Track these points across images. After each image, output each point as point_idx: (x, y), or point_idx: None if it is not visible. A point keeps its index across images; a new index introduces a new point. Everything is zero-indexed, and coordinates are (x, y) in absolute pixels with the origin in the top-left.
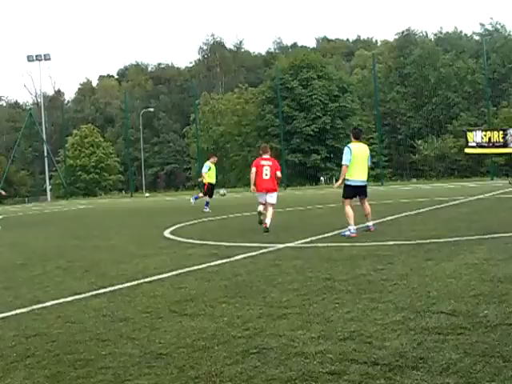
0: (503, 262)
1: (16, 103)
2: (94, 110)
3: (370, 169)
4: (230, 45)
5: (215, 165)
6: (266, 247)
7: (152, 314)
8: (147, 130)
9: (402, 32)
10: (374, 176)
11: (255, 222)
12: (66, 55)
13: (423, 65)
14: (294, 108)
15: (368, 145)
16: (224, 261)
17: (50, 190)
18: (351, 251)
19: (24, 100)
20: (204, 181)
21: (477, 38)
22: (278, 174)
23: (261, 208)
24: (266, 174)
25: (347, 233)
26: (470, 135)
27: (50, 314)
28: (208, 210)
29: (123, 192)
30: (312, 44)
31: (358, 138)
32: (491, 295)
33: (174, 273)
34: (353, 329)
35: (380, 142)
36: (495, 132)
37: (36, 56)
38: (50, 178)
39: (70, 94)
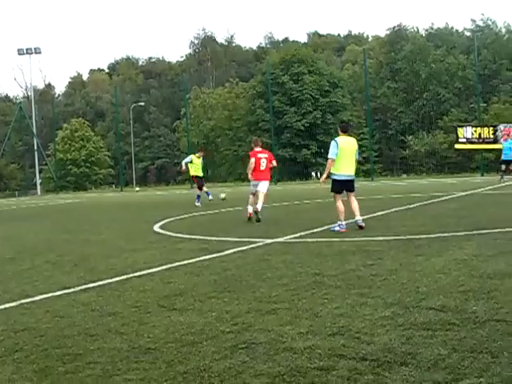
0: (492, 258)
1: (6, 97)
2: (85, 103)
3: (360, 163)
4: (221, 39)
5: (203, 158)
6: (255, 242)
7: (141, 308)
8: (138, 124)
9: (394, 27)
10: (365, 171)
11: (245, 217)
12: (57, 49)
13: (414, 60)
14: (285, 103)
15: (358, 140)
16: (214, 255)
17: (40, 183)
18: (341, 246)
19: (14, 93)
20: (190, 173)
21: (468, 33)
22: (274, 163)
23: (250, 210)
24: (263, 166)
25: (337, 228)
26: (460, 131)
27: (38, 308)
28: (199, 204)
29: (113, 186)
30: (303, 39)
31: (345, 132)
32: (480, 291)
33: (163, 267)
34: (341, 324)
35: (371, 137)
36: (485, 128)
37: (26, 49)
38: (40, 172)
39: (60, 88)
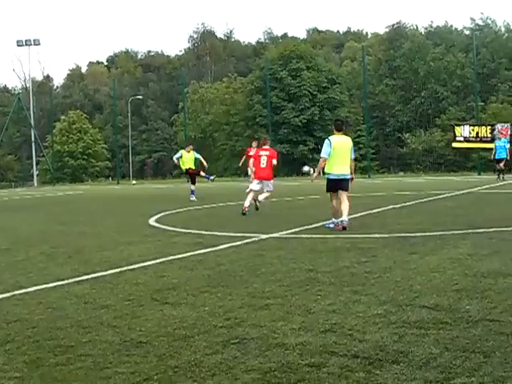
0: (487, 258)
1: (5, 88)
2: (83, 96)
3: (356, 160)
4: (220, 34)
5: (197, 151)
6: (250, 237)
7: (134, 301)
8: (135, 118)
9: (393, 25)
10: (362, 168)
11: (241, 211)
12: (56, 41)
13: (413, 58)
14: (283, 98)
15: (355, 137)
16: (208, 250)
17: (37, 175)
18: (335, 243)
19: (13, 85)
20: (182, 167)
21: (467, 32)
22: (274, 161)
23: (247, 204)
24: (263, 163)
25: (331, 225)
26: (457, 129)
27: (31, 299)
28: (194, 198)
29: (110, 179)
30: (302, 35)
31: (339, 130)
32: (474, 290)
33: (157, 261)
34: (334, 321)
35: (368, 135)
36: (483, 127)
37: (25, 41)
38: (37, 164)
39: (58, 80)
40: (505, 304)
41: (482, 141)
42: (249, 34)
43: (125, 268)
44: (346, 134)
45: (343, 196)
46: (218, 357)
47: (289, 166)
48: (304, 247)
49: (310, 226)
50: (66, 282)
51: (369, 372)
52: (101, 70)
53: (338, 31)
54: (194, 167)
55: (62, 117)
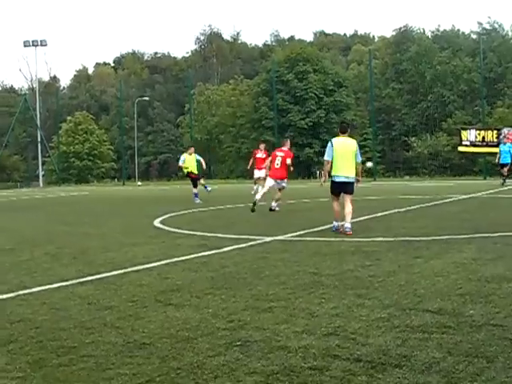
0: (491, 262)
1: (11, 88)
2: (89, 97)
3: (363, 164)
4: (227, 36)
5: (199, 154)
6: (254, 239)
7: (137, 303)
8: (141, 119)
9: (400, 28)
10: (367, 171)
11: (246, 213)
12: (63, 41)
13: (419, 62)
14: (289, 101)
15: (361, 140)
16: (212, 252)
17: (43, 175)
18: (340, 246)
19: (19, 85)
20: (185, 170)
21: (474, 36)
22: (287, 160)
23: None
24: (277, 164)
25: (334, 228)
26: (463, 134)
27: (35, 300)
28: (199, 201)
29: (116, 180)
30: (309, 38)
31: (344, 132)
32: (478, 295)
33: (161, 262)
34: (337, 324)
35: (374, 138)
36: (489, 131)
37: (32, 41)
38: (42, 164)
39: (65, 81)
40: (508, 309)
41: (488, 145)
42: (256, 37)
43: (129, 269)
44: (351, 137)
45: (347, 200)
46: (221, 359)
47: (295, 168)
48: (308, 250)
49: (315, 229)
50: (70, 282)
51: (371, 376)
52: (107, 71)
53: (344, 34)
54: (195, 170)
55: (68, 117)
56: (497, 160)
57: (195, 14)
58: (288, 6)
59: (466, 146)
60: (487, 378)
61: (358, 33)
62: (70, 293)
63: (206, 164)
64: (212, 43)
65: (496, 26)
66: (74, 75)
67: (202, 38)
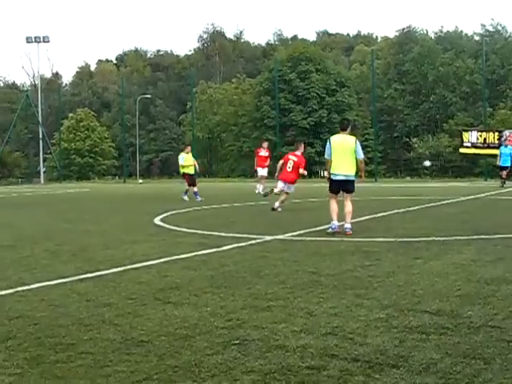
0: (490, 264)
1: (13, 84)
2: (91, 94)
3: (367, 165)
4: (230, 34)
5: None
6: (254, 239)
7: (136, 300)
8: (143, 117)
9: (403, 29)
10: (368, 172)
11: (247, 212)
12: (65, 38)
13: (422, 63)
14: (291, 100)
15: (363, 140)
16: (212, 250)
17: (44, 172)
18: (339, 246)
19: (21, 81)
20: (181, 170)
21: (477, 38)
22: (301, 170)
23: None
24: (289, 167)
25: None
26: (465, 135)
27: (34, 296)
28: (200, 198)
29: (117, 177)
30: (312, 37)
31: (343, 130)
32: (476, 296)
33: (161, 260)
34: (335, 324)
35: (376, 138)
36: (491, 133)
37: (35, 38)
38: (44, 161)
39: (67, 77)
40: (507, 311)
41: (489, 147)
42: (258, 36)
43: (128, 267)
44: (353, 135)
45: (347, 199)
46: (219, 357)
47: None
48: (308, 250)
49: (316, 229)
50: (69, 279)
51: (368, 376)
52: (110, 68)
53: (347, 34)
54: (192, 170)
55: (70, 114)
56: (497, 162)
57: (198, 12)
58: (291, 5)
59: (468, 147)
60: (484, 380)
61: (361, 33)
62: (69, 290)
63: (208, 162)
64: (215, 42)
65: (499, 27)
66: (76, 72)
67: (204, 36)
